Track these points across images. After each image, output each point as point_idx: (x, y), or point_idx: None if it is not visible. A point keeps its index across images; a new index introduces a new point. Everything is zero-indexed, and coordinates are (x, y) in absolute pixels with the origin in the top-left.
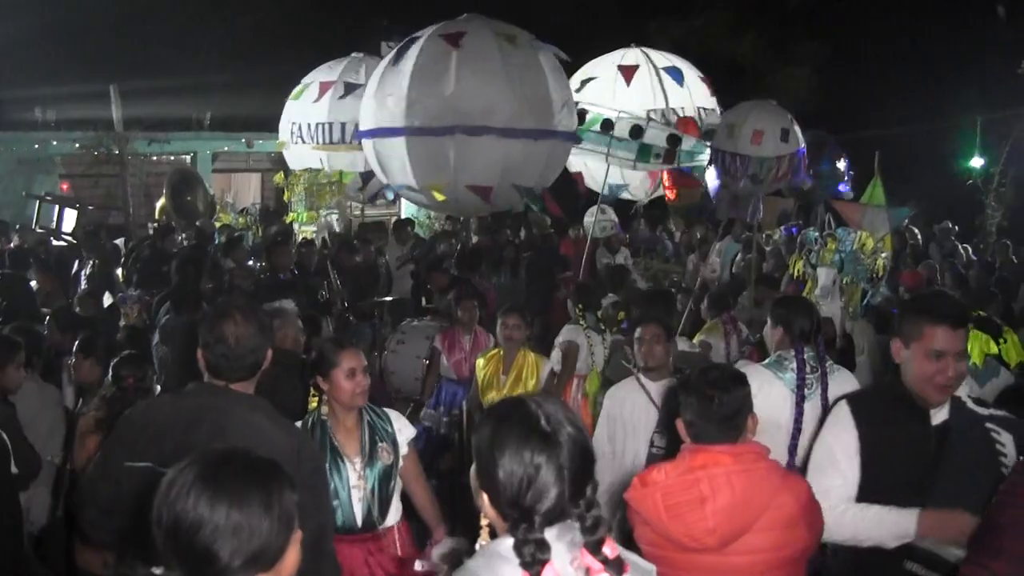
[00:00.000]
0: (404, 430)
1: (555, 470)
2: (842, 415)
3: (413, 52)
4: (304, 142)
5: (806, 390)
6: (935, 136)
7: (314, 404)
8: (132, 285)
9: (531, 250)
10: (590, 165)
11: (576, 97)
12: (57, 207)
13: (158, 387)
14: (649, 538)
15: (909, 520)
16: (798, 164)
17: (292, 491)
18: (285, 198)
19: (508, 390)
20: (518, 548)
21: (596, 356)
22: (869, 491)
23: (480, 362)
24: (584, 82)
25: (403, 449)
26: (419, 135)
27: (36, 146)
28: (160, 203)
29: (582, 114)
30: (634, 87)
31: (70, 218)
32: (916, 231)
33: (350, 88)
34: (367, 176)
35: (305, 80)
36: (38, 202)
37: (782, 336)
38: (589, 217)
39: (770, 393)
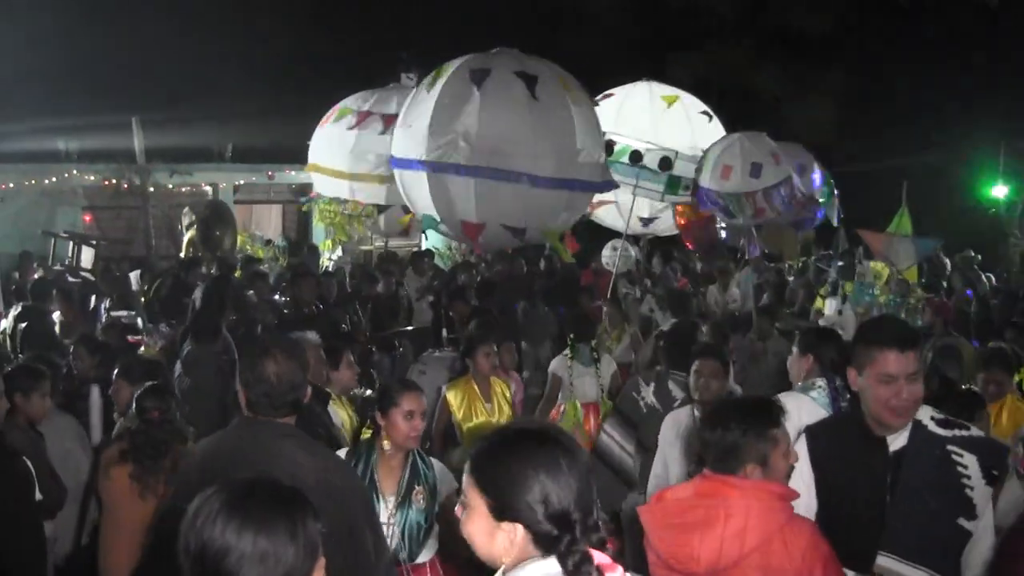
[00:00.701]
0: (445, 481)
1: (585, 479)
2: (799, 445)
3: (440, 84)
4: (334, 168)
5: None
6: (957, 165)
7: (366, 435)
8: (154, 316)
9: (552, 280)
10: (617, 198)
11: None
12: (72, 243)
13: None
14: (649, 555)
15: None
16: (783, 198)
17: (316, 519)
18: (316, 222)
19: (493, 418)
20: (564, 560)
21: (583, 387)
22: (828, 519)
23: (452, 394)
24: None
25: (440, 498)
26: (439, 172)
27: (58, 178)
28: (188, 236)
29: (610, 144)
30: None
31: (87, 254)
32: (945, 261)
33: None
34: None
35: (341, 105)
36: (54, 239)
37: (811, 364)
38: (609, 251)
39: (812, 412)
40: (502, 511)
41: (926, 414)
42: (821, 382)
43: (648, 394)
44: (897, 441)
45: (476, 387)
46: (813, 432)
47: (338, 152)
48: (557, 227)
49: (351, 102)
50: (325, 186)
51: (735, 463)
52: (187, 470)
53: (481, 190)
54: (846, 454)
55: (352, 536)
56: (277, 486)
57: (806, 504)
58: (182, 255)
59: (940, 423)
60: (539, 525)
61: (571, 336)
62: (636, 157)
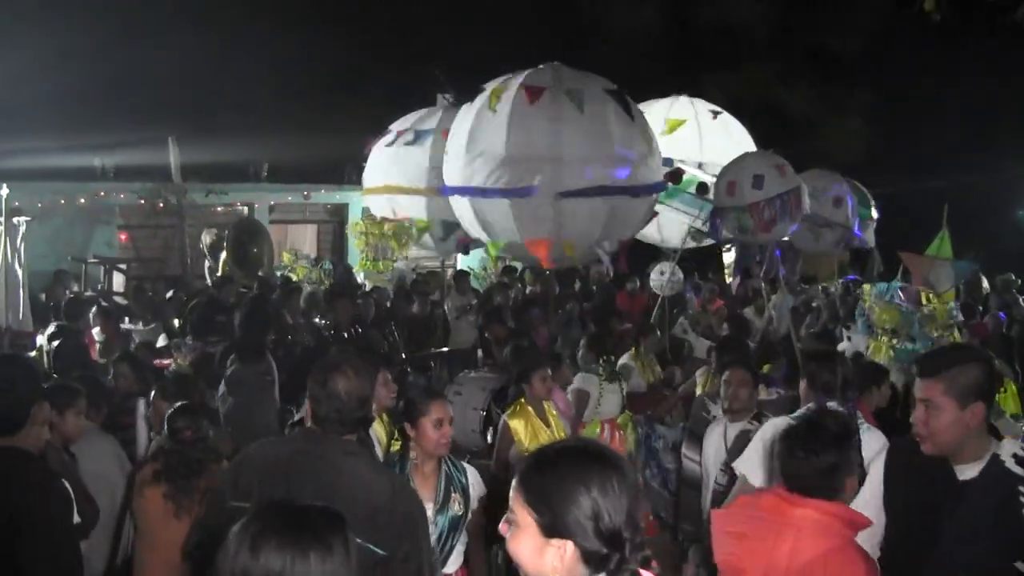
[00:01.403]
0: (477, 486)
1: (635, 498)
2: (878, 465)
3: (504, 108)
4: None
5: None
6: (994, 186)
7: (396, 447)
8: (187, 334)
9: (588, 301)
10: (663, 218)
11: (669, 152)
12: (103, 268)
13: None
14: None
15: None
16: (787, 208)
17: (353, 538)
18: (358, 245)
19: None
20: None
21: (605, 405)
22: (895, 541)
23: (516, 423)
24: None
25: (473, 504)
26: (515, 196)
27: (94, 197)
28: (223, 255)
29: (678, 173)
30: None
31: (118, 278)
32: (984, 283)
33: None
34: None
35: (394, 127)
36: (84, 265)
37: (807, 389)
38: (657, 275)
39: None
40: (552, 528)
41: (1009, 449)
42: (812, 406)
43: (718, 412)
44: (968, 471)
45: (533, 411)
46: (894, 448)
47: (382, 168)
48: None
49: (398, 124)
50: (380, 207)
51: (838, 483)
52: (239, 470)
53: (563, 208)
54: (919, 476)
55: (415, 552)
56: (312, 508)
57: (874, 517)
58: (217, 274)
59: (1020, 461)
60: (589, 542)
61: (601, 355)
62: (702, 190)
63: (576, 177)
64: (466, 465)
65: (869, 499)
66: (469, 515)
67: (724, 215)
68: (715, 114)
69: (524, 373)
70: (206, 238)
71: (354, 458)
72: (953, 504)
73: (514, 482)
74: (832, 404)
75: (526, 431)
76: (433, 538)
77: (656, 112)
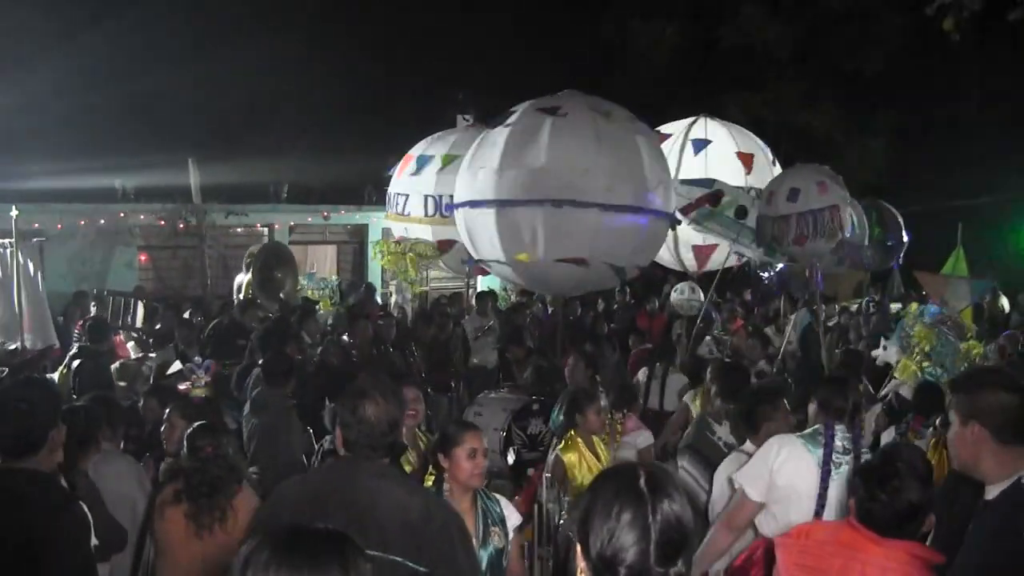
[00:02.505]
0: (511, 516)
1: (639, 529)
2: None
3: (508, 124)
4: (410, 214)
5: (832, 467)
6: (1014, 205)
7: (429, 481)
8: (205, 356)
9: (610, 322)
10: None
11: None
12: (123, 300)
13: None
14: None
15: None
16: (818, 225)
17: (366, 559)
18: (383, 264)
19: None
20: None
21: None
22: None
23: (570, 457)
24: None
25: (510, 534)
26: (508, 206)
27: (114, 218)
28: (246, 278)
29: (717, 195)
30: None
31: (140, 311)
32: (1003, 301)
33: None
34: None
35: (412, 152)
36: (98, 296)
37: (816, 411)
38: (677, 294)
39: (799, 464)
40: (577, 528)
41: None
42: (820, 428)
43: (724, 433)
44: (992, 492)
45: (582, 443)
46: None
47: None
48: (631, 263)
49: (416, 149)
50: (404, 231)
51: (918, 526)
52: (271, 510)
53: (553, 222)
54: (958, 492)
55: (455, 566)
56: (323, 529)
57: None
58: (239, 297)
59: None
60: (592, 561)
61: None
62: (742, 213)
63: (567, 191)
64: (497, 496)
65: None
66: (509, 547)
67: (761, 225)
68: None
69: (578, 406)
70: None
71: (385, 479)
72: (972, 523)
73: None
74: (840, 428)
75: (580, 465)
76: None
77: (722, 140)
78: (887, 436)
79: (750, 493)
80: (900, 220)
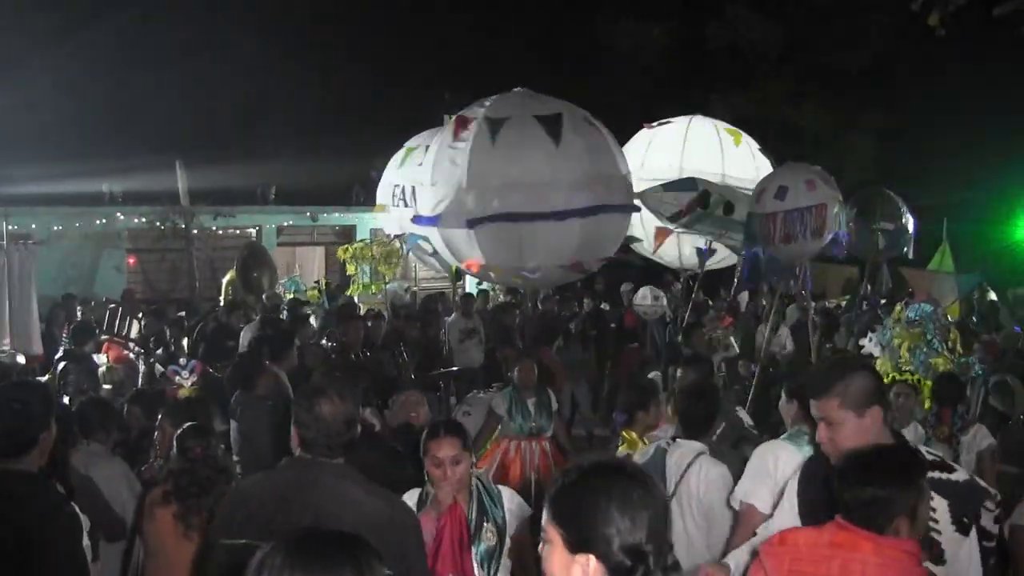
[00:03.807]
0: (516, 511)
1: (660, 513)
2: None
3: (467, 139)
4: (407, 206)
5: None
6: (1001, 202)
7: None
8: (195, 358)
9: (594, 322)
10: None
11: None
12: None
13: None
14: None
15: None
16: (803, 223)
17: (380, 562)
18: (349, 271)
19: None
20: None
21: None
22: None
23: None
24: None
25: (511, 530)
26: (481, 225)
27: (103, 221)
28: (227, 277)
29: (706, 196)
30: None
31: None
32: (991, 293)
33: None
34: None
35: (409, 144)
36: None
37: (796, 411)
38: (640, 300)
39: (788, 463)
40: (576, 543)
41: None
42: (806, 428)
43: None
44: None
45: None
46: (808, 465)
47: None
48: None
49: (414, 141)
50: (397, 225)
51: (884, 520)
52: (232, 507)
53: (524, 235)
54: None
55: (410, 568)
56: (338, 533)
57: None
58: (221, 299)
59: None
60: (613, 556)
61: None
62: (729, 209)
63: (526, 204)
64: (503, 489)
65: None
66: (507, 543)
67: (750, 222)
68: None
69: (643, 403)
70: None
71: (347, 481)
72: None
73: (545, 500)
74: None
75: None
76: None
77: (675, 130)
78: (911, 432)
79: (760, 507)
80: (902, 207)
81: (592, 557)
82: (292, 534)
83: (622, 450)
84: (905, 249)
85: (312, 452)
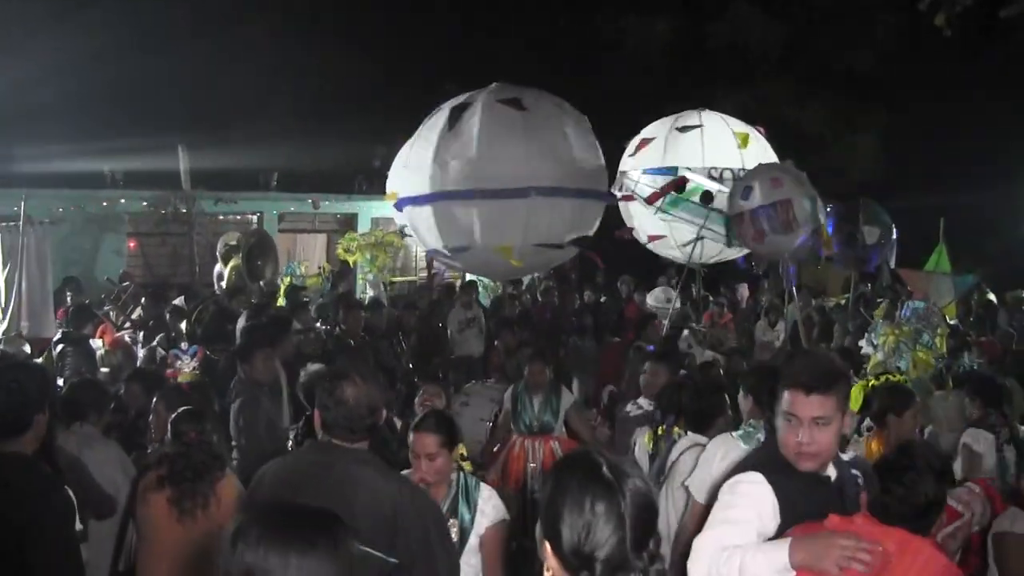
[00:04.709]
0: (488, 512)
1: (615, 518)
2: (756, 480)
3: (438, 122)
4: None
5: None
6: (1001, 203)
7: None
8: (195, 342)
9: (595, 313)
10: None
11: (673, 161)
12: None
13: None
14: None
15: (782, 550)
16: (771, 219)
17: (355, 539)
18: (351, 261)
19: None
20: None
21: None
22: None
23: None
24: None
25: (479, 529)
26: (443, 200)
27: (104, 204)
28: (232, 263)
29: (681, 182)
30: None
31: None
32: (991, 297)
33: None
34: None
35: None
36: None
37: (752, 406)
38: (653, 300)
39: (736, 456)
40: (543, 525)
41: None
42: (755, 423)
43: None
44: (830, 470)
45: None
46: (767, 470)
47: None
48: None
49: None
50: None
51: (930, 523)
52: (251, 491)
53: (487, 212)
54: (805, 493)
55: (427, 561)
56: (313, 509)
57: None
58: (223, 284)
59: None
60: (563, 554)
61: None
62: (707, 198)
63: (497, 181)
64: (485, 490)
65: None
66: (469, 542)
67: (727, 223)
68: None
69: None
70: (220, 246)
71: (364, 466)
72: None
73: None
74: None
75: None
76: None
77: (713, 123)
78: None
79: (697, 496)
80: (887, 219)
81: (552, 557)
82: (268, 508)
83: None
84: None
85: (332, 435)
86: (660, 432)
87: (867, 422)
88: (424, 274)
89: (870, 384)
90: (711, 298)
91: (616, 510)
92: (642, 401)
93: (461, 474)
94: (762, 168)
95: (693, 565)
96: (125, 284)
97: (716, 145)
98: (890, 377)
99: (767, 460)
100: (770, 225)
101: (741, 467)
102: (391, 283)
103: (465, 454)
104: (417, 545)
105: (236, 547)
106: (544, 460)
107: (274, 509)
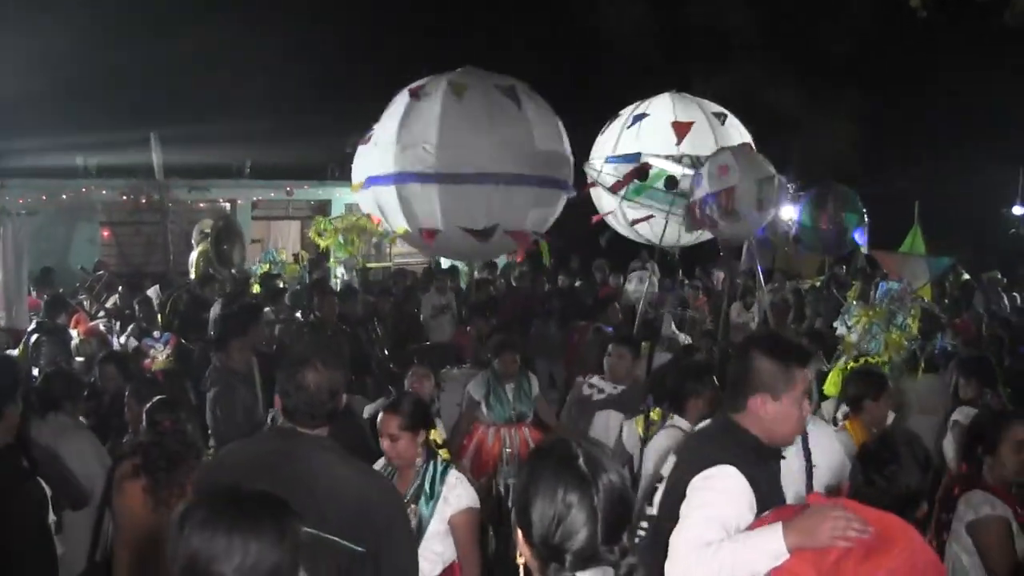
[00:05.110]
0: (452, 500)
1: (587, 510)
2: (732, 475)
3: (400, 103)
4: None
5: None
6: (979, 185)
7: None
8: (170, 331)
9: (563, 298)
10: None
11: (637, 147)
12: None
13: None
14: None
15: (774, 535)
16: (711, 209)
17: (300, 523)
18: (321, 247)
19: None
20: None
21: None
22: None
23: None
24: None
25: (443, 516)
26: (405, 182)
27: (76, 194)
28: (199, 249)
29: (645, 169)
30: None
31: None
32: (965, 277)
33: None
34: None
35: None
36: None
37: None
38: (635, 283)
39: None
40: (516, 514)
41: None
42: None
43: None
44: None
45: None
46: (738, 461)
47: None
48: (529, 227)
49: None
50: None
51: (915, 508)
52: (208, 477)
53: (443, 195)
54: (769, 478)
55: (388, 549)
56: (261, 493)
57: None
58: (192, 273)
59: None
60: (535, 547)
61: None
62: (671, 184)
63: (460, 164)
64: (452, 476)
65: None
66: (427, 531)
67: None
68: (721, 117)
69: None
70: (196, 233)
71: (327, 453)
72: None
73: None
74: None
75: None
76: None
77: (661, 111)
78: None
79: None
80: (859, 203)
81: (525, 546)
82: (218, 491)
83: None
84: (858, 246)
85: (294, 421)
86: (656, 417)
87: (843, 408)
88: (399, 260)
89: (848, 367)
90: (687, 282)
91: (588, 502)
92: (604, 384)
93: (433, 462)
94: (717, 154)
95: (672, 565)
96: (99, 273)
97: (652, 134)
98: (868, 360)
99: (735, 449)
100: (715, 213)
101: (703, 457)
102: (365, 268)
103: (440, 441)
104: (381, 533)
105: (183, 530)
106: (521, 449)
107: (220, 493)
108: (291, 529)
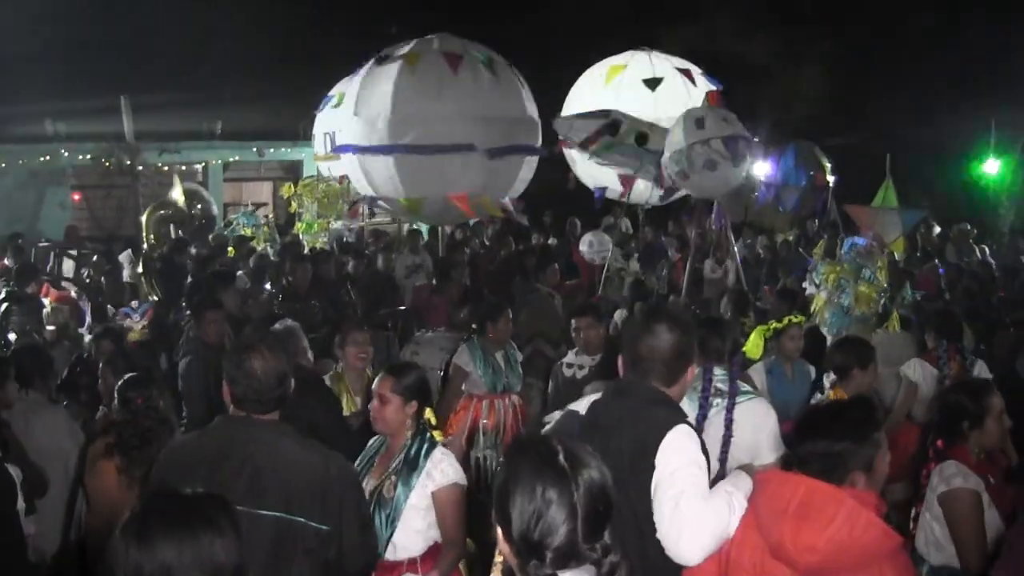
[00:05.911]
0: (437, 475)
1: (567, 508)
2: (692, 432)
3: (375, 72)
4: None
5: (710, 410)
6: (949, 139)
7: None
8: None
9: (533, 257)
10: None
11: (610, 105)
12: (52, 253)
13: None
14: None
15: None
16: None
17: (235, 515)
18: (291, 209)
19: None
20: None
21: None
22: None
23: None
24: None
25: (424, 492)
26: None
27: (47, 158)
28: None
29: (616, 125)
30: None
31: (68, 264)
32: (936, 228)
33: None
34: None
35: (339, 88)
36: (33, 248)
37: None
38: (585, 246)
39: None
40: (495, 510)
41: None
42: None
43: None
44: None
45: None
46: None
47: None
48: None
49: (342, 86)
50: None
51: (841, 474)
52: (165, 469)
53: (406, 165)
54: None
55: (342, 532)
56: (199, 495)
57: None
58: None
59: None
60: (514, 543)
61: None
62: (642, 140)
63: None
64: (437, 452)
65: None
66: (404, 506)
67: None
68: (686, 73)
69: None
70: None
71: (282, 438)
72: None
73: None
74: (719, 370)
75: None
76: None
77: (633, 69)
78: (916, 369)
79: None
80: (825, 160)
81: (504, 543)
82: (155, 495)
83: None
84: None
85: (244, 408)
86: None
87: (831, 376)
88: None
89: (771, 328)
90: (662, 238)
91: (568, 499)
92: (581, 359)
93: (421, 436)
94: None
95: (679, 516)
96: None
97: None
98: (792, 319)
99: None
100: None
101: (666, 419)
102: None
103: (435, 422)
104: (340, 509)
105: (123, 545)
106: (510, 421)
107: (152, 502)
108: (233, 523)
